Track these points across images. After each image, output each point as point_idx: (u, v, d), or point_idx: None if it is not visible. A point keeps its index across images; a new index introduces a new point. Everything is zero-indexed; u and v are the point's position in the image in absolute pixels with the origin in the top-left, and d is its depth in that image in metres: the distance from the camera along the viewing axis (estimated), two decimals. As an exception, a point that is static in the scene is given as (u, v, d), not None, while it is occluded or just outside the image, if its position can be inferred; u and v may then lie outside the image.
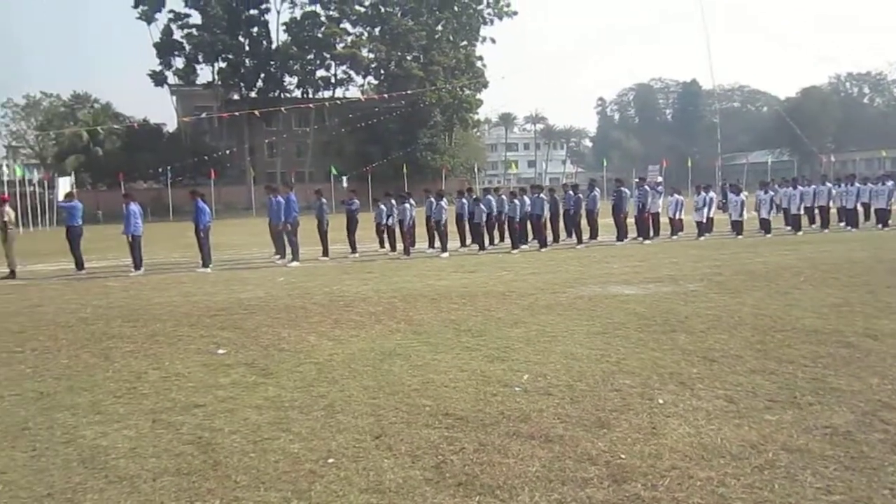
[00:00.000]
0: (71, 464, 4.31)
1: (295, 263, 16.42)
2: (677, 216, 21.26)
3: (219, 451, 4.43)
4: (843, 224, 22.39)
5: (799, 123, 65.26)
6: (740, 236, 20.30)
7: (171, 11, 64.89)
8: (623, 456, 4.15)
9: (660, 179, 27.58)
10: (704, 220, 21.00)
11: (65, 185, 19.11)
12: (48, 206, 45.88)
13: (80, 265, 16.04)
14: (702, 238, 20.22)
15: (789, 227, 21.83)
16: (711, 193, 22.18)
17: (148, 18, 64.74)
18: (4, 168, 43.76)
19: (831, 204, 22.69)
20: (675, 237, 20.74)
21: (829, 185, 23.11)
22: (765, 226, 21.31)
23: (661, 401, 5.18)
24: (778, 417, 4.75)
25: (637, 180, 23.30)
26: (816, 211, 22.42)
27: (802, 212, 21.94)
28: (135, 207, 16.00)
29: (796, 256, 14.72)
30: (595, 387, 5.59)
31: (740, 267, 13.21)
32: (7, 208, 16.02)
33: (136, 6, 63.81)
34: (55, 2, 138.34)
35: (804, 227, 21.65)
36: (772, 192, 22.64)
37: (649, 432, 4.54)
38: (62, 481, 4.05)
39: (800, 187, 22.17)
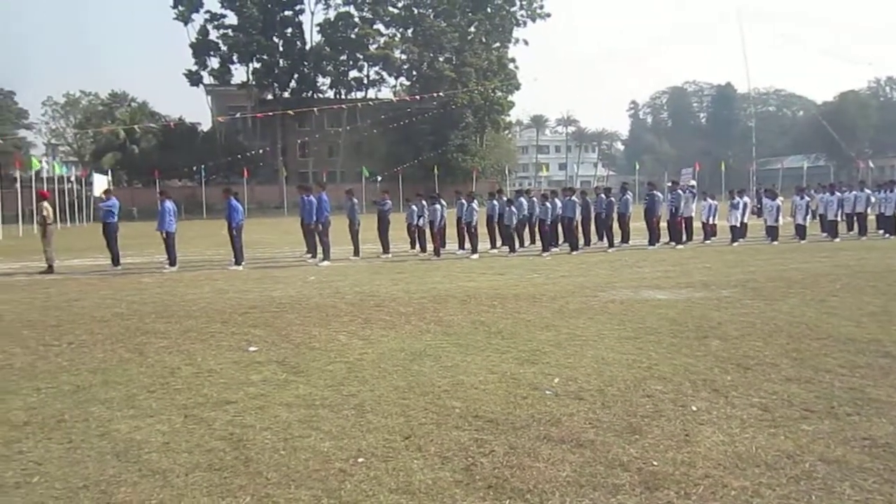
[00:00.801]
0: (105, 456, 4.37)
1: (326, 263, 16.52)
2: (711, 221, 21.02)
3: (250, 448, 4.46)
4: (881, 231, 21.91)
5: (836, 128, 64.18)
6: (775, 242, 19.98)
7: (207, 12, 65.93)
8: (655, 463, 4.09)
9: (693, 183, 27.22)
10: (738, 225, 20.72)
11: (101, 182, 19.39)
12: (85, 202, 46.76)
13: (115, 261, 16.30)
14: (735, 243, 19.94)
15: (825, 234, 21.45)
16: (745, 198, 21.88)
17: (185, 19, 65.82)
18: (44, 165, 44.67)
19: (869, 211, 22.23)
20: (707, 242, 20.49)
21: (867, 191, 22.66)
22: (800, 232, 20.97)
23: (694, 408, 5.10)
24: (814, 427, 4.65)
25: (669, 184, 23.04)
26: (854, 217, 21.99)
27: (841, 218, 21.53)
28: (169, 205, 16.23)
29: (833, 263, 14.45)
30: (626, 392, 5.53)
31: (775, 273, 13.00)
32: (45, 204, 16.35)
33: (174, 6, 64.84)
34: (95, 2, 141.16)
35: (840, 233, 21.25)
36: (808, 198, 22.26)
37: (682, 440, 4.47)
38: (97, 473, 4.10)
39: (837, 193, 21.78)
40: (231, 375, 6.27)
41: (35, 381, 6.15)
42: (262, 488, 3.85)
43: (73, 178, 49.36)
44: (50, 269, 15.57)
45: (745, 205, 21.31)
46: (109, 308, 10.30)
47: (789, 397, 5.30)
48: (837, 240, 20.44)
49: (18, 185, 35.93)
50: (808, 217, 21.86)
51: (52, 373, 6.46)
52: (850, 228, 22.20)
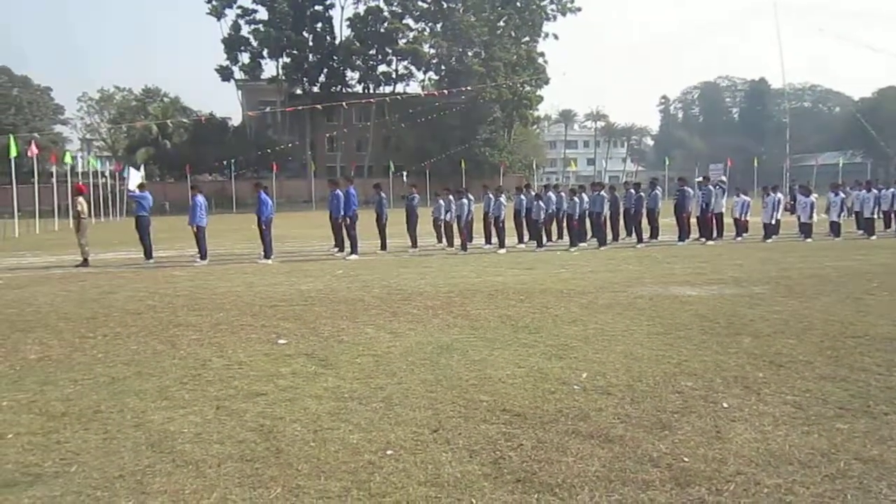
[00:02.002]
0: (140, 447, 4.45)
1: (354, 256, 16.61)
2: (744, 217, 20.75)
3: (280, 440, 4.50)
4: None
5: (874, 125, 62.77)
6: (809, 239, 19.67)
7: (239, 7, 66.48)
8: (686, 459, 4.06)
9: (723, 178, 26.88)
10: (771, 222, 20.42)
11: (136, 177, 19.68)
12: (119, 196, 47.49)
13: (148, 254, 16.54)
14: (769, 240, 19.67)
15: (861, 231, 21.07)
16: (779, 195, 21.55)
17: (218, 14, 66.39)
18: (79, 159, 45.43)
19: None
20: (739, 238, 20.24)
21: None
22: (834, 229, 20.61)
23: (725, 404, 5.05)
24: (850, 426, 4.57)
25: (700, 179, 22.75)
26: (892, 215, 21.57)
27: (878, 216, 21.13)
28: (200, 199, 16.42)
29: (869, 261, 14.18)
30: (656, 388, 5.49)
31: (809, 270, 12.79)
32: (81, 198, 16.61)
33: (208, 1, 65.47)
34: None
35: (877, 231, 20.85)
36: (843, 195, 21.86)
37: (713, 436, 4.43)
38: (132, 464, 4.17)
39: (874, 190, 21.37)
40: (261, 368, 6.34)
41: (72, 373, 6.27)
42: (292, 479, 3.90)
43: (107, 173, 50.11)
44: (85, 263, 15.84)
45: (778, 201, 20.98)
46: (142, 301, 10.46)
47: (824, 395, 5.23)
48: (874, 237, 20.06)
49: (54, 179, 36.57)
50: (844, 214, 21.47)
51: (87, 364, 6.58)
52: (887, 226, 21.76)
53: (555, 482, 3.79)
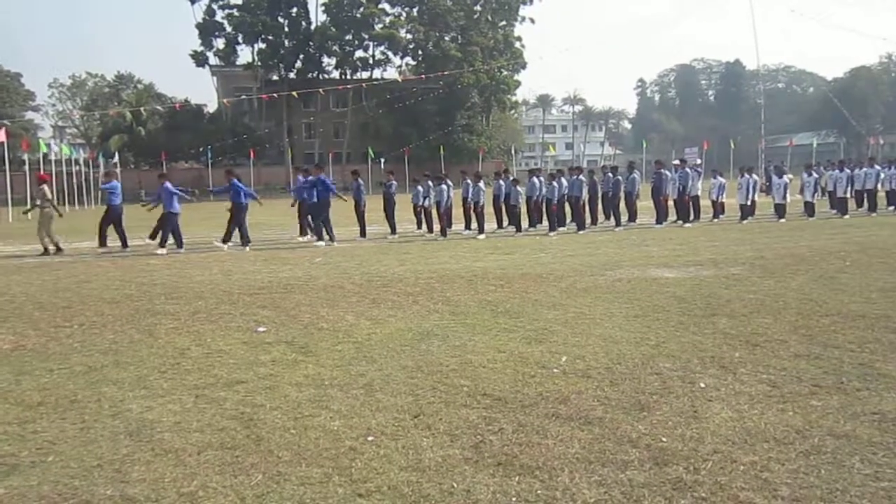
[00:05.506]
0: (118, 436, 4.41)
1: (321, 243, 16.49)
2: (719, 199, 20.93)
3: (261, 427, 4.49)
4: (891, 208, 21.79)
5: (847, 105, 63.55)
6: (783, 220, 19.90)
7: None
8: (664, 439, 4.11)
9: (698, 161, 27.11)
10: (747, 203, 20.62)
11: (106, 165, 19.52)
12: (93, 184, 46.86)
13: (124, 243, 16.36)
14: (745, 221, 19.87)
15: (835, 211, 21.35)
16: (754, 176, 21.76)
17: (194, -2, 65.37)
18: (52, 147, 44.66)
19: (879, 187, 22.10)
20: (716, 220, 20.43)
21: (877, 167, 22.52)
22: (809, 209, 20.87)
23: (702, 385, 5.11)
24: (823, 403, 4.65)
25: (677, 162, 22.90)
26: (864, 194, 21.88)
27: (851, 195, 21.43)
28: (169, 185, 16.18)
29: (842, 240, 14.38)
30: (635, 370, 5.54)
31: (784, 250, 12.96)
32: (45, 187, 16.33)
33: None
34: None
35: (850, 210, 21.15)
36: (816, 175, 22.13)
37: (691, 416, 4.49)
38: (110, 453, 4.14)
39: (847, 170, 21.65)
40: (240, 356, 6.31)
41: (48, 362, 6.20)
42: (273, 466, 3.89)
43: (80, 161, 49.36)
44: (57, 250, 15.68)
45: (753, 182, 21.19)
46: (119, 290, 10.35)
47: (798, 373, 5.31)
48: (847, 216, 20.35)
49: (27, 167, 35.97)
50: (817, 194, 21.74)
51: (64, 354, 6.51)
52: (859, 205, 22.09)
53: (535, 465, 3.81)
